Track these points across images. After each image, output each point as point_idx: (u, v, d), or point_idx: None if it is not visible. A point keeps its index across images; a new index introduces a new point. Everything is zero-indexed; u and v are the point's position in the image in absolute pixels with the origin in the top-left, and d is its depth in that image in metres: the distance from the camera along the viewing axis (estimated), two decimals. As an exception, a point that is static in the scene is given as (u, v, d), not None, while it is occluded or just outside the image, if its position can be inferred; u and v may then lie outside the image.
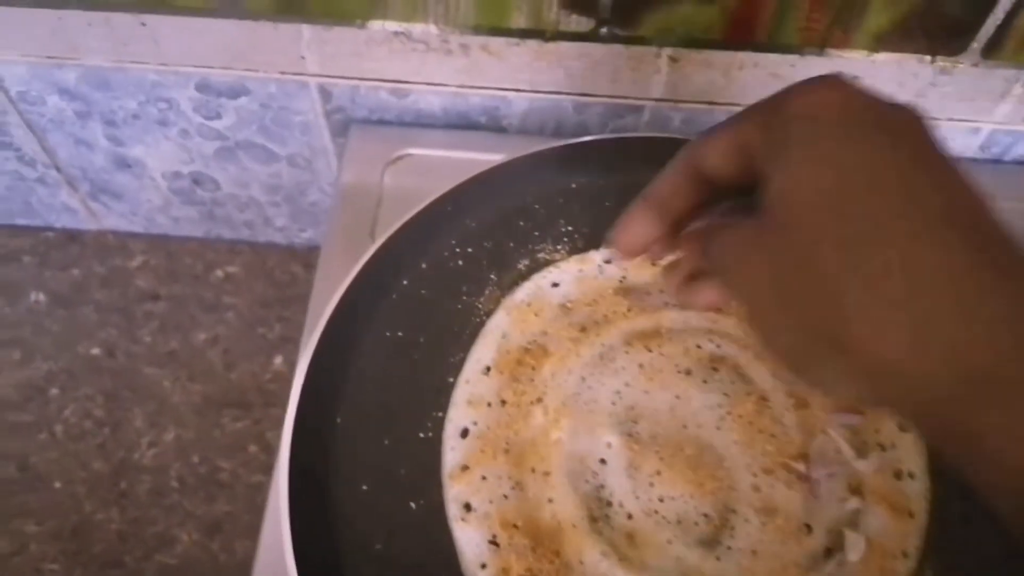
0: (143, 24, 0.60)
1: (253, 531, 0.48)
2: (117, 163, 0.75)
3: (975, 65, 0.57)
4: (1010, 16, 0.53)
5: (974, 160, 0.65)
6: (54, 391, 0.76)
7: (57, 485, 0.72)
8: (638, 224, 0.38)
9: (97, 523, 0.70)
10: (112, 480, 0.72)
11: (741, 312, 0.48)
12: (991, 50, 0.56)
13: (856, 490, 0.44)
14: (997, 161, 0.66)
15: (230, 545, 0.69)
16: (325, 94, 0.64)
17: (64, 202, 0.81)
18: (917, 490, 0.44)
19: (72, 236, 0.85)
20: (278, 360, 0.78)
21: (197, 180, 0.76)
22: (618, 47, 0.58)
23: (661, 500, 0.43)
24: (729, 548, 0.42)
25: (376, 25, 0.58)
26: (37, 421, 0.74)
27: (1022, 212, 0.62)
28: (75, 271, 0.82)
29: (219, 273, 0.83)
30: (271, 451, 0.73)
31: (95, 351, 0.78)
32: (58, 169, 0.76)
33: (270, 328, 0.80)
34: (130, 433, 0.74)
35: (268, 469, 0.72)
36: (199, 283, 0.82)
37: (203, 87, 0.65)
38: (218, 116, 0.68)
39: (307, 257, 0.83)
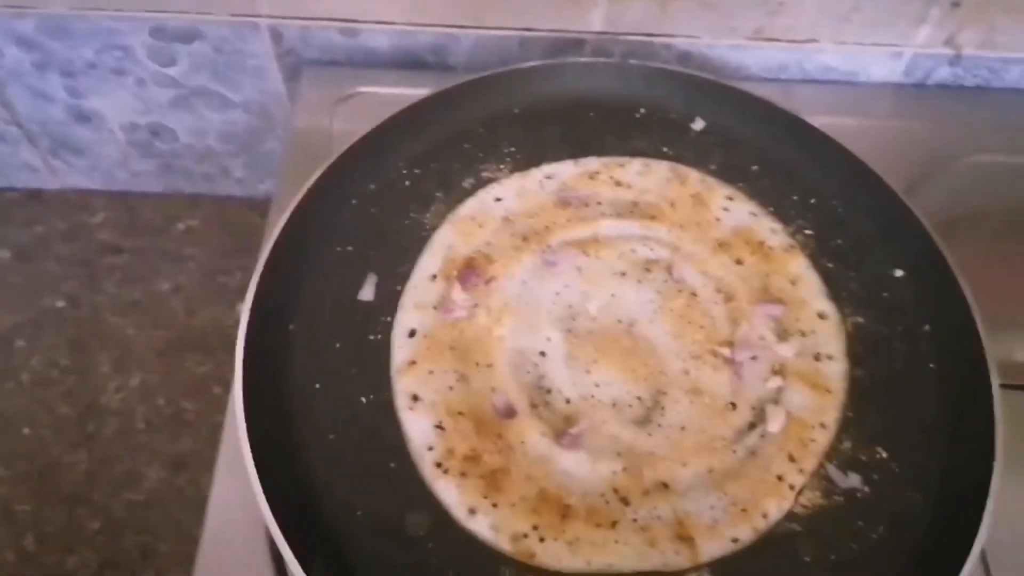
0: (98, -31, 0.61)
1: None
2: (76, 116, 0.76)
3: (893, -12, 0.60)
4: (922, -62, 0.57)
5: (899, 85, 0.69)
6: (20, 343, 0.77)
7: (25, 431, 0.73)
8: None
9: (65, 464, 0.71)
10: (79, 424, 0.73)
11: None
12: (906, -27, 0.59)
13: (778, 372, 0.47)
14: (920, 85, 0.69)
15: (195, 479, 0.70)
16: (276, 36, 0.66)
17: (25, 160, 0.82)
18: (835, 370, 0.47)
19: (34, 195, 0.86)
20: (239, 307, 0.79)
21: (155, 131, 0.77)
22: (557, -21, 0.61)
23: (597, 386, 0.46)
24: (660, 425, 0.45)
25: (323, -38, 0.60)
26: (3, 371, 0.75)
27: (943, 133, 0.67)
28: (38, 228, 0.83)
29: (180, 226, 0.84)
30: (235, 392, 0.75)
31: (59, 303, 0.79)
32: (18, 125, 0.77)
33: (231, 276, 0.81)
34: (96, 379, 0.75)
35: (233, 408, 0.73)
36: (160, 235, 0.83)
37: (157, 32, 0.67)
38: (172, 62, 0.69)
39: (265, 208, 0.83)
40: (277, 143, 0.78)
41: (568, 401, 0.46)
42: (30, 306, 0.79)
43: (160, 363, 0.76)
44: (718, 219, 0.54)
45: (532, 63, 0.58)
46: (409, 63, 0.68)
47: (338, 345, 0.48)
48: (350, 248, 0.52)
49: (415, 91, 0.58)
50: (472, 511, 0.42)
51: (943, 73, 0.68)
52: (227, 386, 0.75)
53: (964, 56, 0.66)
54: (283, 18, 0.65)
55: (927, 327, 0.49)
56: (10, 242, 0.82)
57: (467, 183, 0.55)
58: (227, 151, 0.80)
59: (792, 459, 0.44)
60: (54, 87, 0.73)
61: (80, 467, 0.71)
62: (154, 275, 0.81)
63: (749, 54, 0.67)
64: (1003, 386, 0.45)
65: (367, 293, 0.50)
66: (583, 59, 0.59)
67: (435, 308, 0.49)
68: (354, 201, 0.53)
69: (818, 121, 0.57)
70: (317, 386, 0.46)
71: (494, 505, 0.42)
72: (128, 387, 0.75)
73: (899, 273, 0.52)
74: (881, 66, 0.67)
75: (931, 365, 0.48)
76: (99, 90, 0.73)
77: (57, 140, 0.79)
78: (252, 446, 0.42)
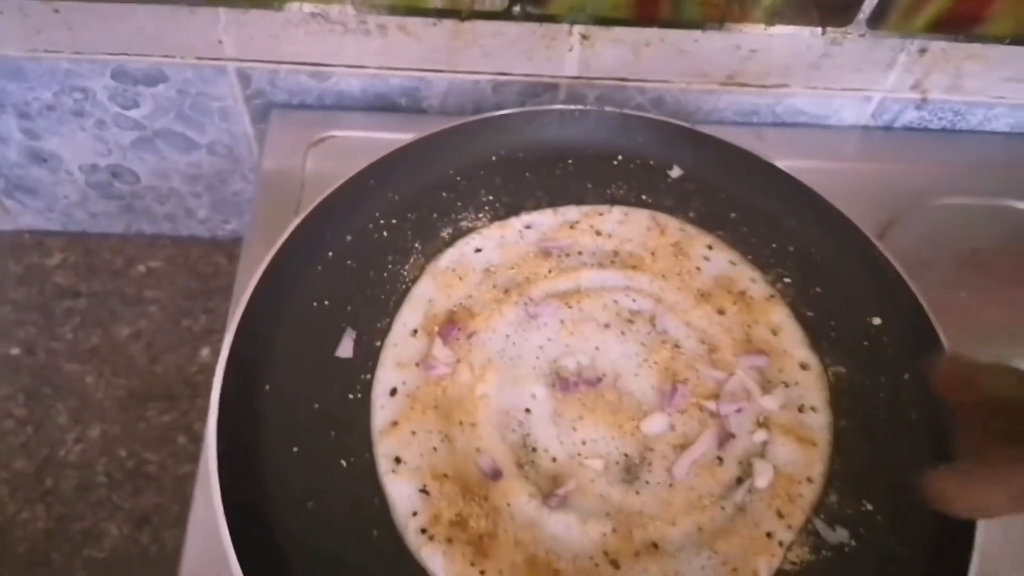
0: (56, 11, 0.59)
1: (183, 521, 0.48)
2: (32, 157, 0.74)
3: (862, 36, 0.61)
4: (890, -11, 0.58)
5: (867, 128, 0.70)
6: (-29, 392, 0.74)
7: (-23, 487, 0.70)
8: None
9: (21, 522, 0.68)
10: (36, 478, 0.70)
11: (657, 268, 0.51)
12: (876, 21, 0.60)
13: (763, 424, 0.47)
14: (888, 128, 0.71)
15: (159, 536, 0.68)
16: (244, 78, 0.65)
17: (-24, 201, 0.79)
18: (819, 422, 0.47)
19: (-15, 236, 0.83)
20: (204, 352, 0.77)
21: (115, 173, 0.75)
22: (531, 25, 0.60)
23: (584, 443, 0.45)
24: (647, 483, 0.44)
25: (293, 7, 0.59)
26: (-46, 423, 0.72)
27: (911, 175, 0.68)
28: (-10, 271, 0.80)
29: (140, 268, 0.82)
30: (199, 441, 0.72)
31: (14, 351, 0.76)
32: (-31, 165, 0.75)
33: (195, 320, 0.79)
34: (53, 431, 0.72)
35: (197, 459, 0.70)
36: (120, 278, 0.81)
37: (119, 75, 0.65)
38: (135, 104, 0.68)
39: (231, 248, 0.83)
40: (243, 184, 0.77)
41: (555, 460, 0.45)
42: (-18, 354, 0.76)
43: (121, 413, 0.74)
44: (699, 268, 0.53)
45: (509, 111, 0.58)
46: (381, 106, 0.67)
47: (316, 406, 0.46)
48: (327, 303, 0.50)
49: (389, 135, 0.57)
50: (460, 580, 0.41)
51: (910, 116, 0.70)
52: (191, 436, 0.74)
53: (930, 100, 0.68)
54: (251, 61, 0.63)
55: (906, 376, 0.50)
56: (-39, 287, 0.79)
57: (445, 233, 0.54)
58: (191, 192, 0.78)
59: (780, 515, 0.44)
60: (9, 128, 0.71)
61: (38, 524, 0.68)
62: (114, 320, 0.78)
63: (722, 99, 0.67)
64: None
65: (345, 350, 0.48)
66: (560, 107, 0.59)
67: (417, 365, 0.48)
68: (330, 253, 0.52)
69: (789, 163, 0.57)
70: (295, 450, 0.44)
71: (482, 573, 0.41)
72: (87, 438, 0.73)
73: (877, 321, 0.52)
74: (850, 110, 0.68)
75: (912, 415, 0.48)
76: (57, 131, 0.71)
77: (12, 181, 0.77)
78: (227, 514, 0.40)
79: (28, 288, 0.79)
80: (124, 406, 0.74)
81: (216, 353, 0.76)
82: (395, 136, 0.56)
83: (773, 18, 0.60)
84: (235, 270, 0.57)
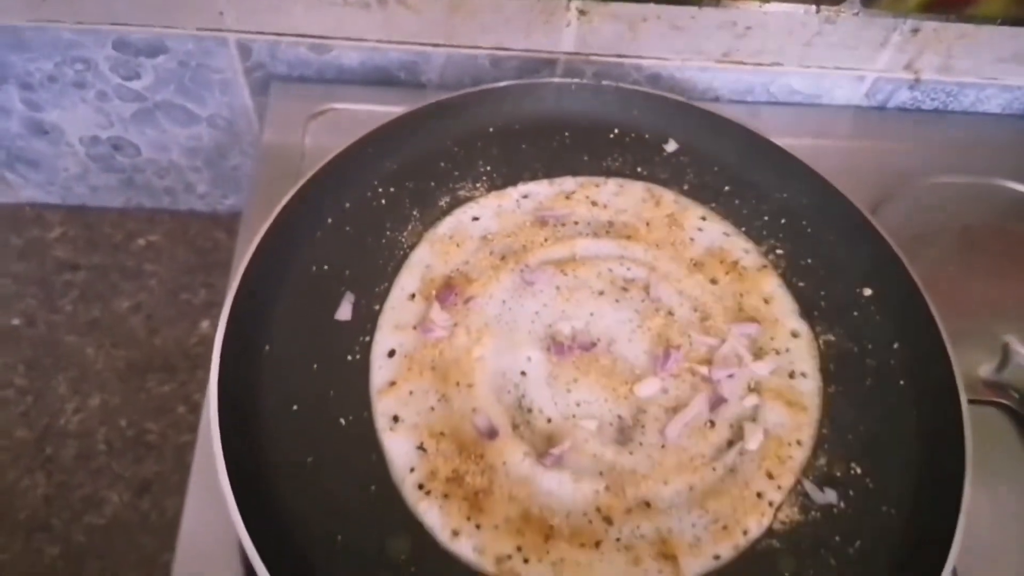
0: (58, -20, 0.60)
1: (183, 489, 0.49)
2: (33, 129, 0.74)
3: (856, 14, 0.62)
4: (884, -33, 0.58)
5: (860, 108, 0.71)
6: (-29, 362, 0.75)
7: (-22, 455, 0.70)
8: None
9: (22, 489, 0.69)
10: (37, 447, 0.71)
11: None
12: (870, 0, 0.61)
13: (754, 389, 0.48)
14: (881, 108, 0.71)
15: (160, 503, 0.69)
16: (244, 50, 0.65)
17: (-24, 173, 0.80)
18: (809, 388, 0.48)
19: (-15, 209, 0.83)
20: (204, 324, 0.78)
21: (116, 145, 0.76)
22: (530, 0, 0.61)
23: (578, 405, 0.46)
24: (641, 444, 0.45)
25: (294, -22, 0.59)
26: (-45, 392, 0.73)
27: (904, 154, 0.69)
28: (-10, 244, 0.81)
29: (140, 242, 0.82)
30: (199, 412, 0.73)
31: (15, 321, 0.77)
32: (-30, 137, 0.75)
33: (194, 294, 0.80)
34: (54, 400, 0.73)
35: (197, 428, 0.71)
36: (120, 252, 0.81)
37: (121, 45, 0.65)
38: (136, 76, 0.68)
39: (230, 223, 0.83)
40: (242, 158, 0.77)
41: (549, 420, 0.46)
42: (-18, 325, 0.76)
43: (121, 384, 0.74)
44: (692, 239, 0.54)
45: (507, 82, 0.59)
46: (380, 80, 0.68)
47: (315, 366, 0.47)
48: (326, 267, 0.51)
49: (387, 108, 0.58)
50: (455, 533, 0.41)
51: (903, 97, 0.71)
52: (191, 406, 0.74)
53: (923, 80, 0.69)
54: (252, 33, 0.64)
55: (896, 345, 0.51)
56: (-39, 259, 0.79)
57: (443, 202, 0.55)
58: (191, 166, 0.78)
59: (770, 476, 0.45)
60: (11, 99, 0.71)
61: (38, 491, 0.69)
62: (114, 293, 0.79)
63: (717, 76, 0.68)
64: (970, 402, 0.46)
65: (344, 313, 0.49)
66: (557, 79, 0.60)
67: (414, 328, 0.49)
68: (329, 220, 0.53)
69: (783, 142, 0.58)
70: (294, 408, 0.45)
71: (477, 527, 0.42)
72: (87, 408, 0.73)
73: (867, 292, 0.53)
74: (844, 89, 0.69)
75: (901, 382, 0.49)
76: (59, 103, 0.71)
77: (13, 154, 0.77)
78: (229, 471, 0.41)
79: (28, 261, 0.80)
80: (124, 377, 0.74)
81: (215, 327, 0.77)
82: (394, 109, 0.57)
83: (769, -5, 0.61)
84: (234, 245, 0.58)
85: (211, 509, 0.46)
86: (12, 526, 0.68)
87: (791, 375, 0.49)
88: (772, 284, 0.53)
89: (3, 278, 0.79)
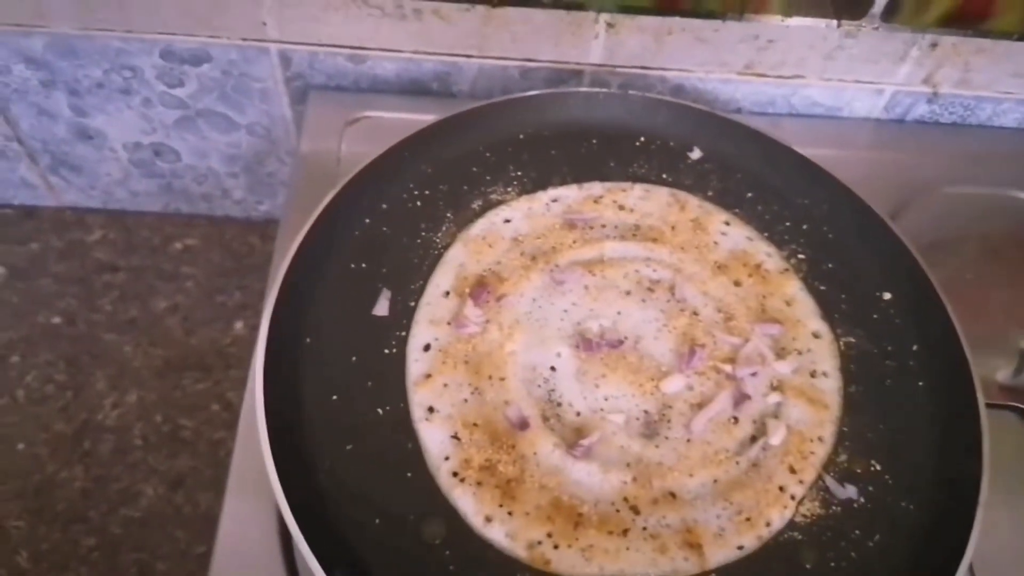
0: (109, -9, 0.63)
1: (216, 484, 0.51)
2: (78, 134, 0.77)
3: (876, 28, 0.64)
4: (904, -17, 0.60)
5: (879, 120, 0.73)
6: (15, 358, 0.77)
7: (20, 447, 0.73)
8: None
9: (60, 481, 0.71)
10: (75, 440, 0.73)
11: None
12: (890, 14, 0.63)
13: (777, 387, 0.49)
14: (900, 121, 0.73)
15: (193, 497, 0.71)
16: (285, 60, 0.68)
17: (23, 176, 0.82)
18: (830, 387, 0.50)
19: (29, 213, 0.86)
20: (238, 325, 0.80)
21: (158, 151, 0.79)
22: (559, 12, 0.63)
23: (606, 399, 0.48)
24: (667, 438, 0.47)
25: (334, -10, 0.62)
26: (-2, 387, 0.75)
27: (922, 166, 0.70)
28: (33, 245, 0.84)
29: (177, 245, 0.85)
30: (233, 409, 0.75)
31: (55, 320, 0.79)
32: (19, 141, 0.78)
33: (229, 296, 0.82)
34: (92, 396, 0.76)
35: (230, 426, 0.74)
36: (157, 255, 0.84)
37: (167, 54, 0.68)
38: (180, 84, 0.71)
39: (264, 229, 0.86)
40: (278, 165, 0.80)
41: (578, 414, 0.47)
42: (25, 323, 0.79)
43: (158, 381, 0.77)
44: (716, 243, 0.56)
45: (537, 92, 0.61)
46: (414, 90, 0.71)
47: (354, 359, 0.49)
48: (364, 265, 0.53)
49: (421, 116, 0.60)
50: (488, 519, 0.43)
51: (921, 110, 0.72)
52: (224, 404, 0.77)
53: (941, 94, 0.70)
54: (292, 43, 0.67)
55: (915, 347, 0.52)
56: (6, 260, 0.82)
57: (476, 205, 0.57)
58: (228, 172, 0.81)
59: (792, 471, 0.46)
60: (59, 105, 0.74)
61: (76, 484, 0.71)
62: (151, 294, 0.82)
63: (739, 88, 0.70)
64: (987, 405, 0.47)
65: (381, 308, 0.51)
66: (585, 89, 0.62)
67: (448, 323, 0.51)
68: (367, 220, 0.55)
69: (804, 152, 0.60)
70: (334, 397, 0.47)
71: (509, 513, 0.43)
72: (125, 404, 0.76)
73: (887, 295, 0.54)
74: (863, 102, 0.71)
75: (920, 383, 0.51)
76: (104, 109, 0.74)
77: (58, 158, 0.80)
78: (273, 454, 0.43)
79: (69, 262, 0.83)
80: (160, 374, 0.77)
81: (250, 327, 0.80)
82: (427, 117, 0.59)
83: (790, 9, 0.63)
84: (269, 250, 0.60)
85: (249, 501, 0.48)
86: (51, 517, 0.70)
87: (812, 374, 0.50)
88: (794, 287, 0.54)
89: (45, 278, 0.82)
